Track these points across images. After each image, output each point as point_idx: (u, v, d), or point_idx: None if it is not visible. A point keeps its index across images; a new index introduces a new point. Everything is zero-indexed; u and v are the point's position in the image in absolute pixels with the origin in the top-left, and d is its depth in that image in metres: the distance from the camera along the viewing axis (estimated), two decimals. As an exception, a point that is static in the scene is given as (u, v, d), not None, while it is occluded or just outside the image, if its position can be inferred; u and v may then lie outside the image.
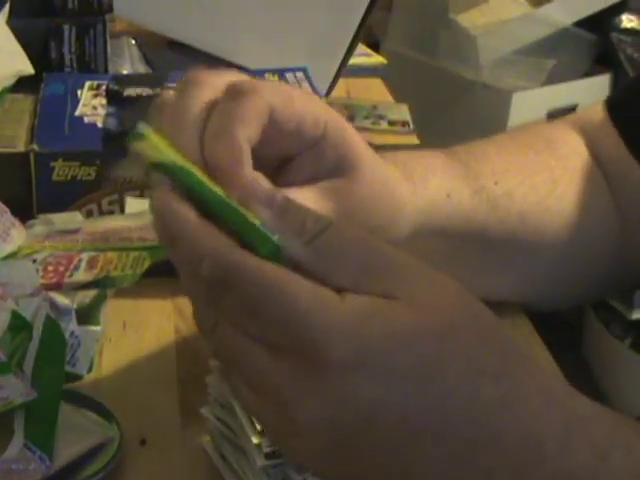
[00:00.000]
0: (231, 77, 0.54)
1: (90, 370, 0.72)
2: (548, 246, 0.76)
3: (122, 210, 0.84)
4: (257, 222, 0.46)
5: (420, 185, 0.67)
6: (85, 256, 0.76)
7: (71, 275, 0.74)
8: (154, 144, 0.49)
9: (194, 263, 0.46)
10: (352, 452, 0.45)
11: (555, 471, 0.45)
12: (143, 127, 0.48)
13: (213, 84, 0.53)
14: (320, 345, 0.43)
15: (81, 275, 0.74)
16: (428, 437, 0.44)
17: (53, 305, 0.70)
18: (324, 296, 0.44)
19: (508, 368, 0.46)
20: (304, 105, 0.55)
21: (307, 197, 0.55)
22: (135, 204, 0.82)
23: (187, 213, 0.46)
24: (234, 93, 0.52)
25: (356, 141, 0.59)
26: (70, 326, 0.70)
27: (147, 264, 0.75)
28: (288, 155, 0.57)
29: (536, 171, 0.76)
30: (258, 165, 0.53)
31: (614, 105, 0.81)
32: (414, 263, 0.47)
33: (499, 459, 0.45)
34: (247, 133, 0.51)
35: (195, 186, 0.48)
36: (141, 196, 0.85)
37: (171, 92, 0.55)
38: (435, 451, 0.45)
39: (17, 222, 0.78)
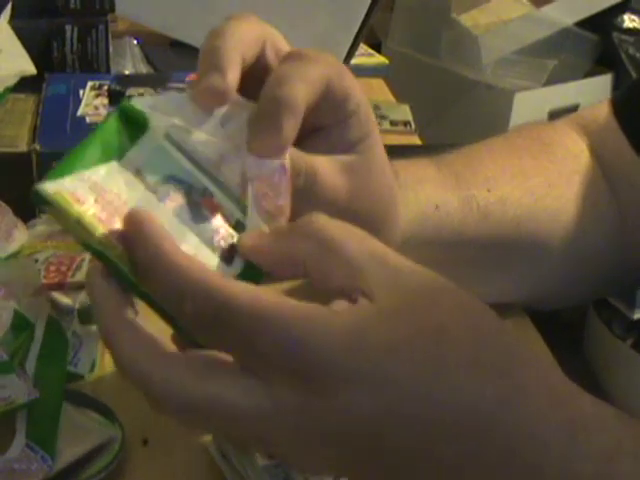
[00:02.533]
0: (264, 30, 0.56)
1: (92, 370, 0.72)
2: (546, 248, 0.75)
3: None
4: None
5: (412, 195, 0.67)
6: (87, 256, 0.76)
7: (73, 275, 0.74)
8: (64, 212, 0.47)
9: (173, 301, 0.45)
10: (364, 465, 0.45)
11: (562, 474, 0.45)
12: (44, 189, 0.46)
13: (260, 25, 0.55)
14: (319, 369, 0.43)
15: (83, 275, 0.74)
16: (440, 440, 0.44)
17: (55, 305, 0.70)
18: (316, 316, 0.44)
19: (512, 366, 0.46)
20: (351, 82, 0.56)
21: (327, 167, 0.56)
22: None
23: (166, 245, 0.46)
24: (297, 56, 0.53)
25: (376, 128, 0.60)
26: (72, 326, 0.70)
27: None
28: (321, 124, 0.57)
29: (531, 175, 0.75)
30: None
31: (619, 105, 0.80)
32: (405, 262, 0.47)
33: (507, 459, 0.44)
34: (307, 93, 0.52)
35: (114, 270, 0.47)
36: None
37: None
38: (445, 456, 0.44)
39: (19, 223, 0.78)
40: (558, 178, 0.76)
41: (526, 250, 0.75)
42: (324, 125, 0.57)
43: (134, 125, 0.51)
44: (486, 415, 0.44)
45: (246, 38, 0.53)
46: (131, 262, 0.46)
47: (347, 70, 0.57)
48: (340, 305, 0.45)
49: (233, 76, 0.51)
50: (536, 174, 0.75)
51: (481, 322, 0.46)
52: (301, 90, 0.52)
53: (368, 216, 0.59)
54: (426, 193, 0.69)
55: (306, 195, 0.55)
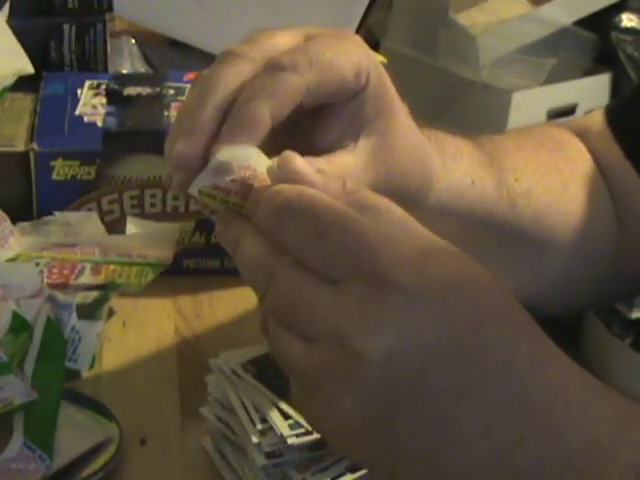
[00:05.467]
0: (272, 49, 0.55)
1: (92, 366, 0.72)
2: (556, 248, 0.75)
3: (122, 209, 0.84)
4: None
5: (450, 163, 0.67)
6: (87, 264, 0.76)
7: (77, 278, 0.74)
8: None
9: (269, 197, 0.47)
10: (400, 408, 0.45)
11: (581, 436, 0.45)
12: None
13: (253, 59, 0.54)
14: (387, 271, 0.44)
15: (86, 279, 0.74)
16: (473, 390, 0.44)
17: (54, 301, 0.70)
18: (390, 228, 0.46)
19: (537, 330, 0.47)
20: (345, 63, 0.55)
21: (346, 162, 0.56)
22: (136, 224, 0.82)
23: None
24: (271, 68, 0.53)
25: (394, 97, 0.60)
26: (71, 321, 0.70)
27: (151, 277, 0.75)
28: (331, 102, 0.57)
29: (549, 171, 0.75)
30: (299, 114, 0.54)
31: (613, 114, 0.80)
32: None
33: (530, 420, 0.45)
34: (274, 110, 0.52)
35: None
36: (141, 210, 0.85)
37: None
38: (475, 409, 0.45)
39: (16, 231, 0.79)
40: (571, 178, 0.76)
41: (540, 247, 0.74)
42: (336, 103, 0.57)
43: None
44: (516, 372, 0.45)
45: (228, 91, 0.53)
46: None
47: (345, 46, 0.56)
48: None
49: (200, 145, 0.52)
50: (552, 170, 0.75)
51: (512, 296, 0.48)
52: (264, 109, 0.52)
53: (401, 194, 0.59)
54: (464, 166, 0.68)
55: None
